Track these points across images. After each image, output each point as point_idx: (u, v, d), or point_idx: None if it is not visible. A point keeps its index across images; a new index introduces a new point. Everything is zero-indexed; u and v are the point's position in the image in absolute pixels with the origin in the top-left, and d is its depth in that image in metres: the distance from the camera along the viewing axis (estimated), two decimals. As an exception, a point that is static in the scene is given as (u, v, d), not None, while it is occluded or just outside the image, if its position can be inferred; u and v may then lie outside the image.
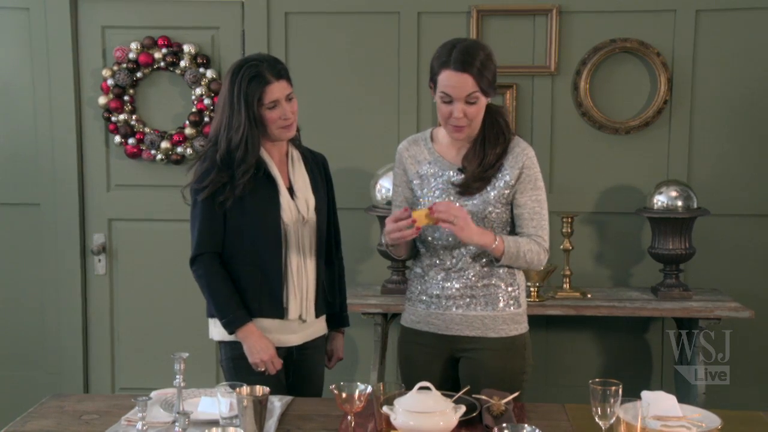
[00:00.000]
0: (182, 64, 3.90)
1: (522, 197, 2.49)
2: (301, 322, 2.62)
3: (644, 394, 2.20)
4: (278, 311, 2.57)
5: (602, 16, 3.81)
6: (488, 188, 2.47)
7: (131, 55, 3.91)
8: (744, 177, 3.84)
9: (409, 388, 2.15)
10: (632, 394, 2.12)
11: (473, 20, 3.80)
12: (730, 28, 3.78)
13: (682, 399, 2.39)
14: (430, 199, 2.51)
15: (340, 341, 2.85)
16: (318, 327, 2.71)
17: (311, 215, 2.61)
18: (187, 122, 3.94)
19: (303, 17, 3.92)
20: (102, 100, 3.95)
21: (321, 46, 3.91)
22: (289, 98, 2.53)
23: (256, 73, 2.48)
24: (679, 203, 3.58)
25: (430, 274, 2.55)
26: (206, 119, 3.92)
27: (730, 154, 3.84)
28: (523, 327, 2.56)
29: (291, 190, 2.60)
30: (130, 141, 3.96)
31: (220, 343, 2.63)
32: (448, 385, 2.50)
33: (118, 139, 3.97)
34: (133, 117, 3.96)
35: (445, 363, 2.57)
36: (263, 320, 2.56)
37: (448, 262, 2.51)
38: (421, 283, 2.57)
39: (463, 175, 2.49)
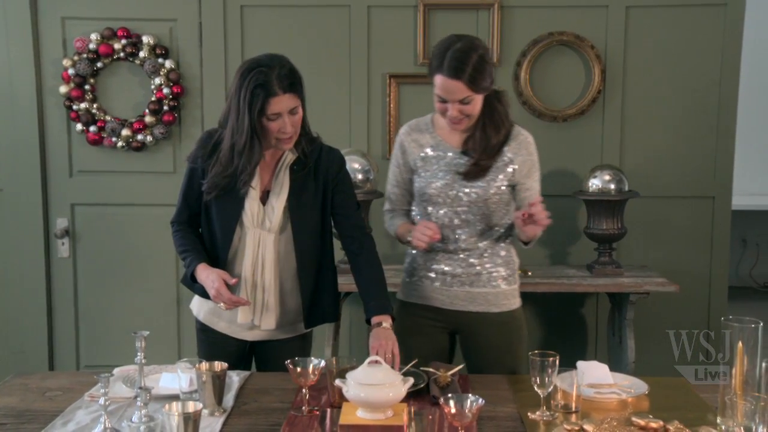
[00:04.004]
0: (141, 54, 3.83)
1: (529, 181, 2.53)
2: (253, 325, 2.47)
3: (579, 363, 2.24)
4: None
5: (540, 10, 3.83)
6: (492, 175, 2.47)
7: (91, 46, 3.83)
8: (670, 162, 3.91)
9: (420, 358, 2.29)
10: (568, 364, 2.16)
11: (420, 14, 3.80)
12: (658, 23, 3.84)
13: (614, 368, 2.44)
14: (432, 180, 2.51)
15: (380, 334, 2.32)
16: (286, 329, 2.51)
17: (276, 224, 2.39)
18: (147, 111, 3.87)
19: (258, 10, 3.87)
20: (63, 89, 3.86)
21: (276, 38, 3.86)
22: (292, 112, 2.30)
23: (264, 81, 2.24)
24: (612, 186, 3.63)
25: (435, 253, 2.55)
26: (165, 107, 3.86)
27: (658, 141, 3.91)
28: (518, 301, 2.62)
29: (268, 196, 2.41)
30: (92, 129, 3.88)
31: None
32: (450, 356, 2.63)
33: (79, 126, 3.89)
34: (94, 105, 3.88)
35: (448, 337, 2.63)
36: (216, 305, 2.43)
37: (452, 246, 2.52)
38: (425, 260, 2.57)
39: (465, 159, 2.49)
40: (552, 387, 2.04)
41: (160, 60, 3.84)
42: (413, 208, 2.62)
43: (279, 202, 2.40)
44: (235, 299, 2.32)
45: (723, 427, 1.93)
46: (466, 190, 2.48)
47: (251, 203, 2.39)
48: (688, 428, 1.91)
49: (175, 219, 2.51)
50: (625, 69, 3.86)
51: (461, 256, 2.52)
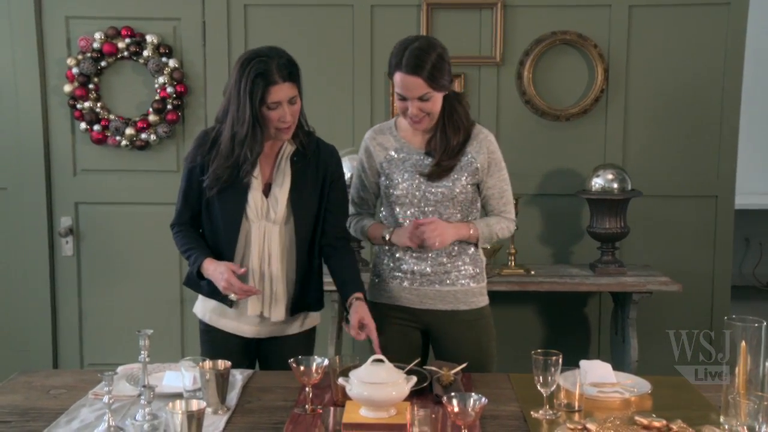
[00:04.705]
0: (145, 53, 3.83)
1: (491, 179, 2.55)
2: (262, 318, 2.49)
3: (582, 362, 2.24)
4: (230, 303, 2.44)
5: (543, 10, 3.83)
6: (456, 174, 2.49)
7: (95, 45, 3.83)
8: (673, 161, 3.90)
9: (394, 356, 2.21)
10: (571, 363, 2.16)
11: (423, 13, 3.80)
12: (661, 22, 3.83)
13: (617, 367, 2.44)
14: (398, 182, 2.52)
15: (362, 308, 2.41)
16: (294, 325, 2.55)
17: (280, 216, 2.42)
18: (151, 109, 3.87)
19: (262, 9, 3.87)
20: (67, 88, 3.86)
21: (279, 37, 3.83)
22: (292, 101, 2.34)
23: (264, 70, 2.28)
24: (615, 185, 3.62)
25: (402, 253, 2.56)
26: (169, 107, 3.86)
27: (661, 140, 3.90)
28: (486, 298, 2.64)
29: (271, 188, 2.44)
30: (96, 127, 3.89)
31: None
32: (423, 355, 2.61)
33: (83, 125, 3.89)
34: (98, 104, 3.89)
35: (420, 335, 2.63)
36: (220, 304, 2.47)
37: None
38: (393, 260, 2.58)
39: (429, 160, 2.51)
40: (555, 386, 2.04)
41: (164, 59, 3.84)
42: (381, 210, 2.65)
43: (282, 193, 2.42)
44: (245, 288, 2.34)
45: (726, 426, 1.93)
46: (432, 190, 2.50)
47: (254, 195, 2.41)
48: (691, 427, 1.90)
49: (176, 221, 2.52)
50: (628, 68, 3.85)
51: (430, 255, 2.54)
